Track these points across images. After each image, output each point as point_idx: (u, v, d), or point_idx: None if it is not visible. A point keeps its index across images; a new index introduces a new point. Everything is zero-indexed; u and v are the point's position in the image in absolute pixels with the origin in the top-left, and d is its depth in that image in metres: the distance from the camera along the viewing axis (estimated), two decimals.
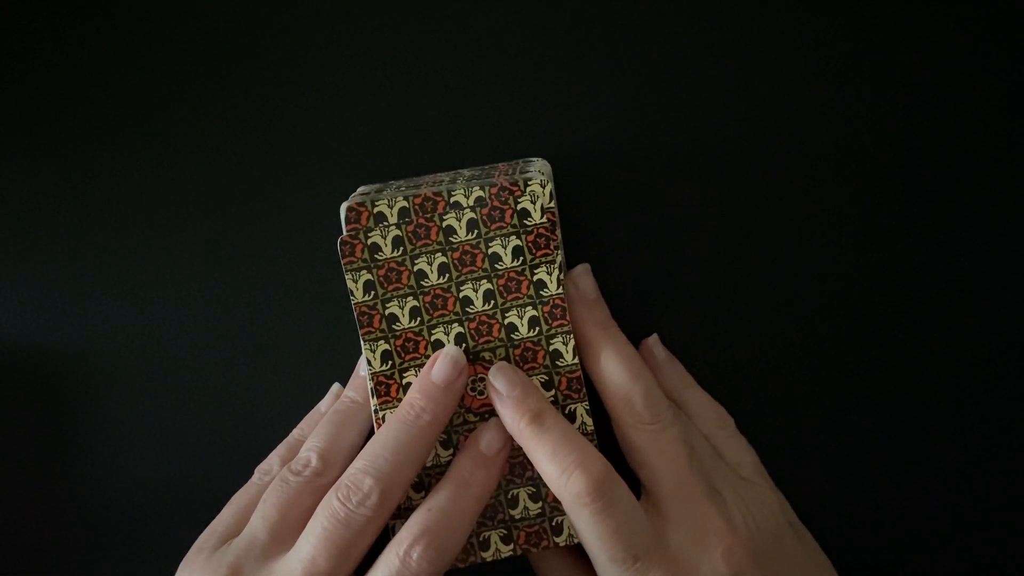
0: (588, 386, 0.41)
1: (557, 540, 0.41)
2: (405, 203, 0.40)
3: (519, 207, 0.40)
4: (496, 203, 0.40)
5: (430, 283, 0.41)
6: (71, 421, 0.46)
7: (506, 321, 0.41)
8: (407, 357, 0.41)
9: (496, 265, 0.40)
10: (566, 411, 0.41)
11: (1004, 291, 0.44)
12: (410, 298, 0.41)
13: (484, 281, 0.41)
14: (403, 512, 0.41)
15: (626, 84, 0.45)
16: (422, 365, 0.41)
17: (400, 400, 0.41)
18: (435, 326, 0.41)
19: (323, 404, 0.45)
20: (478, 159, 0.45)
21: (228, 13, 0.45)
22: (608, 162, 0.45)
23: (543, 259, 0.40)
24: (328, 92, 0.45)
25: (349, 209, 0.40)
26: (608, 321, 0.42)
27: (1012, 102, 0.44)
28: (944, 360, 0.45)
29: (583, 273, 0.43)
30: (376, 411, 0.41)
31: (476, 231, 0.40)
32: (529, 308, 0.41)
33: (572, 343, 0.41)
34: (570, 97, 0.45)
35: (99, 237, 0.46)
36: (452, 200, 0.40)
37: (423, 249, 0.40)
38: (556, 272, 0.40)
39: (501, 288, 0.41)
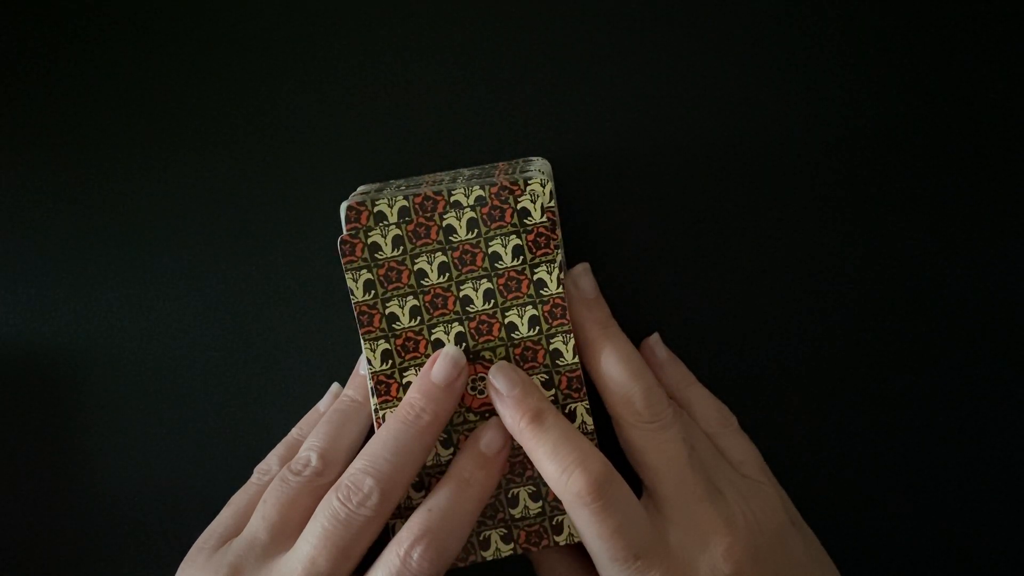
0: (588, 385, 0.41)
1: (557, 539, 0.41)
2: (405, 202, 0.40)
3: (519, 206, 0.40)
4: (496, 202, 0.40)
5: (430, 282, 0.41)
6: (71, 421, 0.46)
7: (506, 320, 0.41)
8: (407, 356, 0.41)
9: (496, 264, 0.40)
10: (566, 410, 0.41)
11: (1005, 292, 0.44)
12: (410, 297, 0.41)
13: (484, 280, 0.41)
14: (403, 512, 0.41)
15: (626, 84, 0.45)
16: (422, 364, 0.41)
17: (400, 399, 0.41)
18: (435, 325, 0.41)
19: (322, 404, 0.45)
20: (478, 159, 0.45)
21: (228, 13, 0.45)
22: (608, 162, 0.45)
23: (543, 258, 0.40)
24: (328, 92, 0.45)
25: (349, 208, 0.40)
26: (608, 320, 0.42)
27: (1013, 102, 0.44)
28: (946, 359, 0.45)
29: (583, 272, 0.43)
30: (376, 410, 0.41)
31: (476, 230, 0.40)
32: (529, 307, 0.41)
33: (572, 342, 0.41)
34: (570, 97, 0.45)
35: (99, 237, 0.46)
36: (452, 199, 0.40)
37: (423, 248, 0.40)
38: (556, 271, 0.40)
39: (501, 287, 0.41)
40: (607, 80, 0.45)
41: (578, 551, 0.42)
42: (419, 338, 0.41)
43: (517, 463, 0.41)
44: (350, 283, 0.40)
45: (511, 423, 0.40)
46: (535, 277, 0.41)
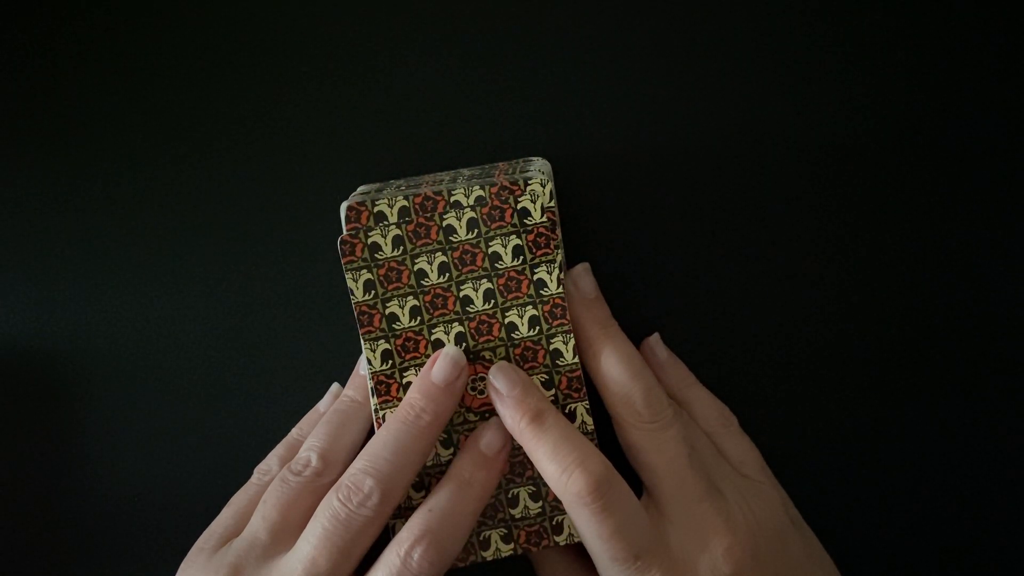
0: (588, 385, 0.41)
1: (557, 539, 0.41)
2: (405, 202, 0.40)
3: (519, 206, 0.40)
4: (496, 202, 0.40)
5: (430, 282, 0.41)
6: (71, 421, 0.46)
7: (506, 320, 0.41)
8: (407, 356, 0.41)
9: (496, 264, 0.40)
10: (566, 410, 0.41)
11: (1004, 291, 0.44)
12: (410, 297, 0.41)
13: (484, 280, 0.41)
14: (403, 512, 0.41)
15: (626, 84, 0.45)
16: (422, 364, 0.41)
17: (400, 399, 0.41)
18: (435, 325, 0.41)
19: (322, 404, 0.45)
20: (478, 159, 0.45)
21: (228, 12, 0.45)
22: (608, 162, 0.45)
23: (543, 258, 0.40)
24: (328, 92, 0.45)
25: (349, 208, 0.40)
26: (608, 320, 0.42)
27: (1012, 102, 0.44)
28: (945, 359, 0.45)
29: (583, 272, 0.43)
30: (376, 410, 0.41)
31: (476, 230, 0.40)
32: (529, 307, 0.41)
33: (572, 342, 0.41)
34: (570, 97, 0.45)
35: (99, 237, 0.46)
36: (452, 199, 0.40)
37: (423, 248, 0.40)
38: (556, 271, 0.40)
39: (501, 287, 0.41)
40: (607, 80, 0.45)
41: (578, 551, 0.42)
42: (419, 338, 0.41)
43: (517, 463, 0.41)
44: (350, 283, 0.40)
45: (511, 423, 0.40)
46: (535, 277, 0.41)
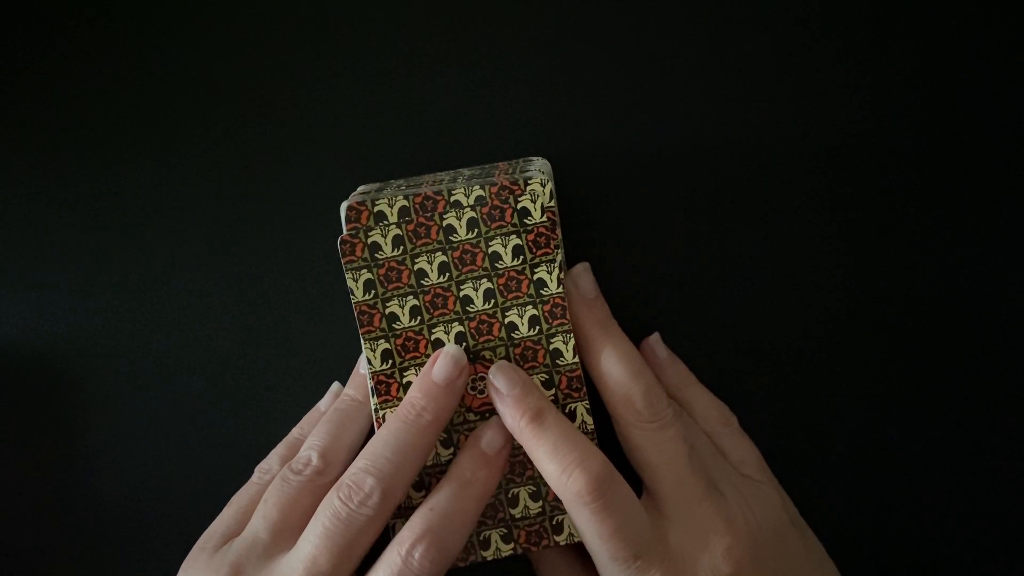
0: (588, 385, 0.42)
1: (557, 539, 0.41)
2: (405, 202, 0.40)
3: (519, 206, 0.40)
4: (496, 202, 0.40)
5: (430, 282, 0.41)
6: (71, 420, 0.46)
7: (506, 320, 0.41)
8: (407, 356, 0.41)
9: (496, 264, 0.40)
10: (566, 410, 0.41)
11: (1005, 291, 0.44)
12: (410, 297, 0.41)
13: (484, 280, 0.41)
14: (404, 511, 0.41)
15: (626, 84, 0.45)
16: (422, 364, 0.41)
17: (400, 399, 0.41)
18: (435, 325, 0.41)
19: (323, 403, 0.45)
20: (478, 159, 0.45)
21: (228, 12, 0.45)
22: (608, 162, 0.45)
23: (543, 258, 0.40)
24: (328, 92, 0.45)
25: (349, 208, 0.40)
26: (608, 320, 0.42)
27: (1013, 102, 0.44)
28: (946, 359, 0.45)
29: (583, 272, 0.43)
30: (376, 410, 0.41)
31: (476, 230, 0.40)
32: (529, 307, 0.41)
33: (572, 342, 0.41)
34: (570, 97, 0.45)
35: (99, 237, 0.46)
36: (452, 199, 0.40)
37: (423, 248, 0.40)
38: (556, 271, 0.40)
39: (501, 287, 0.41)
40: (607, 80, 0.45)
41: (578, 551, 0.42)
42: (419, 338, 0.41)
43: (517, 463, 0.41)
44: (350, 283, 0.40)
45: (511, 422, 0.40)
46: (535, 277, 0.41)
